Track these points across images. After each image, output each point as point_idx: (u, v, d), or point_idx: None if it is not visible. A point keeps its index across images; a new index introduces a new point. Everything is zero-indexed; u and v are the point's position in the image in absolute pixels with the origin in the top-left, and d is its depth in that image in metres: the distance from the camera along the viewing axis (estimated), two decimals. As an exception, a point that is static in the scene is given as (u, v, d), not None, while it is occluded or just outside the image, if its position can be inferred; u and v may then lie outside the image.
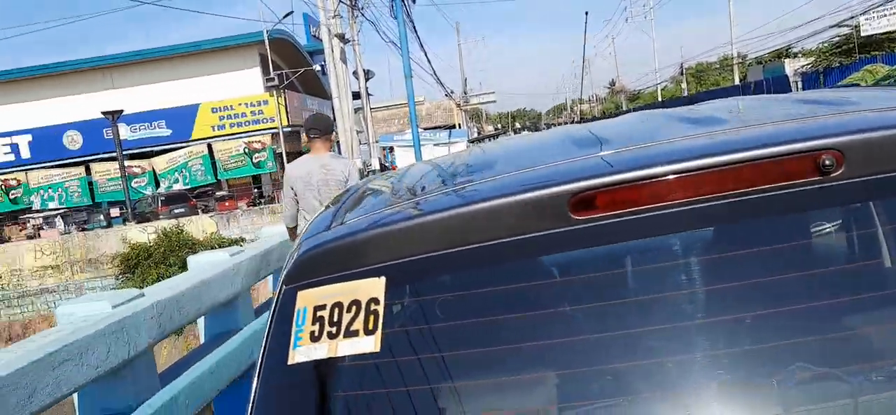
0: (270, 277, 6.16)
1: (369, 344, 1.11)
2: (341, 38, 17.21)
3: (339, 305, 1.15)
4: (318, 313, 1.15)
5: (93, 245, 22.11)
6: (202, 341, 4.90)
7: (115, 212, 26.48)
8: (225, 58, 29.07)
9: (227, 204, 25.73)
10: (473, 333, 1.18)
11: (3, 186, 28.60)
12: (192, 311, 4.19)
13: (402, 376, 1.15)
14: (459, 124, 45.44)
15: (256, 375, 1.20)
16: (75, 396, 3.35)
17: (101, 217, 26.40)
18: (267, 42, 27.45)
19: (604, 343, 1.15)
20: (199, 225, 22.27)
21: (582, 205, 1.08)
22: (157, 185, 28.87)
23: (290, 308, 1.19)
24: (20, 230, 25.92)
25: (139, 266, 20.77)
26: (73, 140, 28.53)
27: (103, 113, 24.18)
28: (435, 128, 38.75)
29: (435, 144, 29.42)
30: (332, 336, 1.13)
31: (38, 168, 28.64)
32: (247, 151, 28.75)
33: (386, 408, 1.14)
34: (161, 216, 24.61)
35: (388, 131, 39.60)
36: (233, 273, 4.75)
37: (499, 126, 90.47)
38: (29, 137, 28.54)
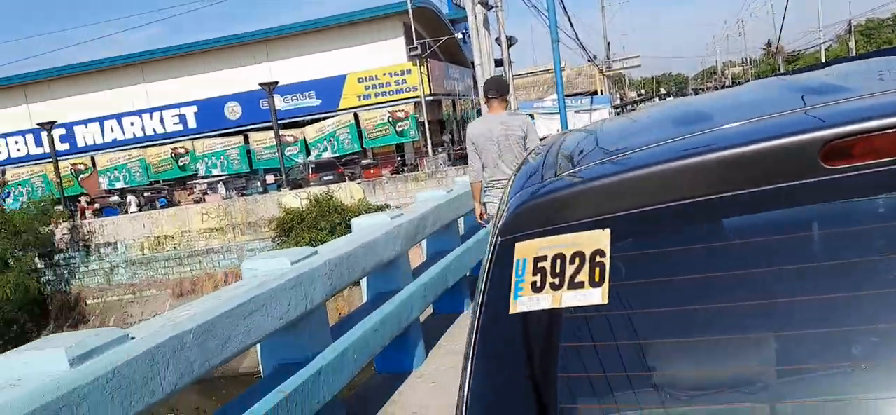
0: (425, 242, 6.31)
1: (596, 296, 1.10)
2: (484, 4, 17.17)
3: (560, 256, 1.14)
4: (539, 264, 1.15)
5: (252, 209, 23.61)
6: (364, 299, 5.10)
7: (270, 178, 28.14)
8: (370, 29, 29.92)
9: (372, 172, 26.62)
10: (701, 288, 1.14)
11: (173, 154, 31.13)
12: (358, 270, 4.37)
13: (622, 329, 1.13)
14: (601, 91, 44.33)
15: (474, 323, 1.22)
16: (259, 346, 3.59)
17: (258, 183, 28.14)
18: (410, 12, 27.96)
19: (835, 305, 1.07)
20: (348, 191, 23.19)
21: (837, 153, 1.00)
22: (308, 153, 30.32)
23: (507, 259, 1.19)
24: (188, 195, 28.11)
25: (293, 230, 21.95)
26: (233, 111, 30.53)
27: (260, 84, 25.66)
28: (576, 94, 37.95)
29: (576, 111, 28.84)
30: (555, 287, 1.13)
31: (202, 137, 30.90)
32: (390, 120, 29.55)
33: (607, 359, 1.12)
34: (312, 183, 25.85)
35: (528, 99, 39.33)
36: (394, 236, 4.91)
37: (642, 91, 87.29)
38: (195, 108, 30.84)
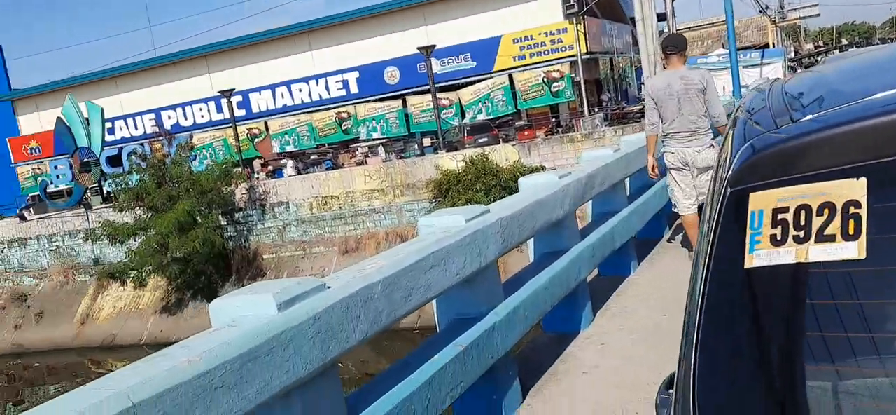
0: (590, 203, 6.20)
1: (851, 250, 1.01)
2: (647, -44, 16.42)
3: (805, 207, 1.06)
4: (779, 216, 1.08)
5: (410, 171, 24.34)
6: (531, 259, 5.11)
7: (426, 141, 28.81)
8: (526, -12, 29.59)
9: (526, 133, 26.51)
10: None
11: (337, 118, 32.66)
12: (528, 229, 4.38)
13: (875, 287, 1.04)
14: (773, 43, 41.17)
15: (700, 279, 1.17)
16: (434, 301, 3.70)
17: (416, 146, 28.91)
18: (566, -31, 27.33)
19: None
20: (503, 154, 23.28)
21: None
22: (463, 115, 30.68)
23: (739, 211, 1.13)
24: (350, 158, 29.41)
25: (450, 191, 22.42)
26: (391, 75, 31.44)
27: (418, 48, 26.22)
28: (744, 48, 35.52)
29: (744, 67, 27.00)
30: (799, 240, 1.05)
31: (363, 102, 32.14)
32: (545, 80, 29.18)
33: (857, 319, 1.03)
34: (467, 145, 26.19)
35: (691, 54, 37.35)
36: (563, 195, 4.86)
37: (820, 43, 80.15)
38: (356, 74, 32.08)
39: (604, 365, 4.46)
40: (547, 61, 29.19)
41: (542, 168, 21.69)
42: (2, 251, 29.46)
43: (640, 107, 27.16)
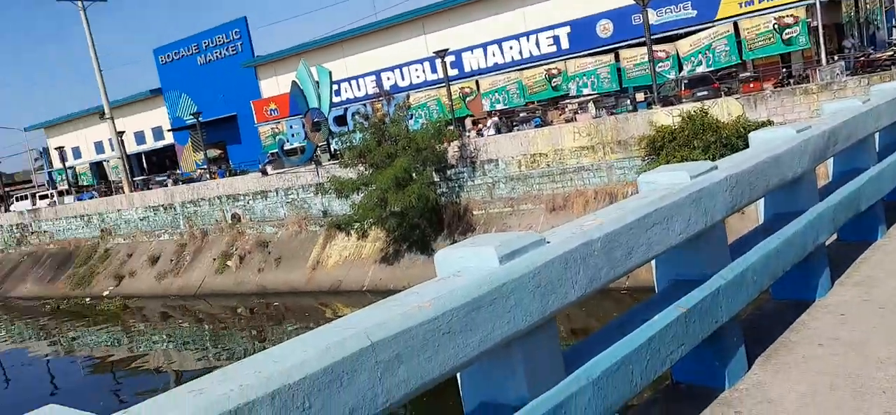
0: (831, 160, 5.60)
1: None
2: None
3: None
4: None
5: (622, 128, 23.60)
6: (761, 220, 4.74)
7: (639, 96, 27.74)
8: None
9: (751, 86, 24.54)
10: None
11: (546, 75, 32.49)
12: (760, 187, 4.06)
13: None
14: None
15: None
16: (654, 261, 3.56)
17: (628, 101, 27.95)
18: None
19: None
20: (724, 108, 21.76)
21: None
22: (680, 68, 29.09)
23: None
24: (559, 115, 29.16)
25: (664, 148, 21.45)
26: (604, 28, 30.55)
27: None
28: None
29: None
30: None
31: (574, 57, 31.62)
32: (776, 27, 26.67)
33: None
34: (684, 100, 24.83)
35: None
36: (801, 151, 4.44)
37: None
38: (567, 29, 31.60)
39: (844, 338, 4.05)
40: (779, 5, 26.66)
41: (770, 123, 20.01)
42: (248, 203, 33.19)
43: (891, 52, 23.98)
